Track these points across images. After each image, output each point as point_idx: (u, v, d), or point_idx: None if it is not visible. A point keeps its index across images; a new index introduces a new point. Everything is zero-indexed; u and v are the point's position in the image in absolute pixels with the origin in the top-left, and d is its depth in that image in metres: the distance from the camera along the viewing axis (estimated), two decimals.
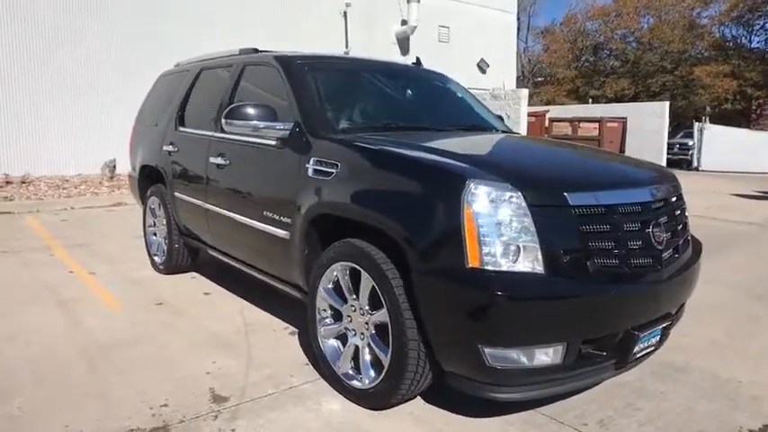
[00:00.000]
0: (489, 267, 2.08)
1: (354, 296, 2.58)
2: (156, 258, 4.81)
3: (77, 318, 3.67)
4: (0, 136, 9.23)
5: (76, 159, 10.02)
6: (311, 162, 2.81)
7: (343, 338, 2.70)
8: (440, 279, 2.16)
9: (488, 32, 17.56)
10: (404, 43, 15.47)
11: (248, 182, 3.37)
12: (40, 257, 5.26)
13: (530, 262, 2.11)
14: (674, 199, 2.68)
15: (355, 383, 2.57)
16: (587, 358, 2.31)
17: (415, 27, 14.95)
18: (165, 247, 4.59)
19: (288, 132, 2.99)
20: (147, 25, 10.79)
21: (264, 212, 3.15)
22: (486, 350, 2.11)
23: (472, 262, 2.09)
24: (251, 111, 2.97)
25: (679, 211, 2.72)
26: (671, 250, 2.54)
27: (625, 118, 15.29)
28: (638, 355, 2.46)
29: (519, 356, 2.13)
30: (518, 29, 43.50)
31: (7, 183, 8.67)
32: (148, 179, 4.84)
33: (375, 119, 3.27)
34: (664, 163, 14.73)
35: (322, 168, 2.74)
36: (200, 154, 3.87)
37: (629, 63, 35.24)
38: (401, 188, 2.37)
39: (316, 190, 2.75)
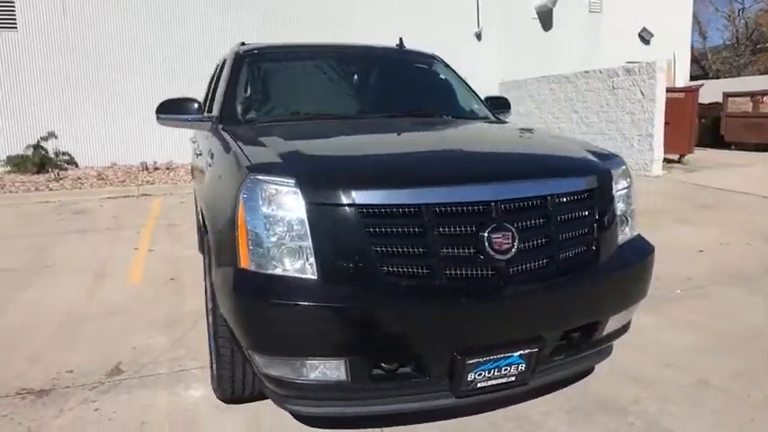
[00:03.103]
0: (256, 269, 1.94)
1: None
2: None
3: (95, 289, 4.25)
4: (147, 128, 10.85)
5: None
6: (208, 154, 2.87)
7: None
8: (219, 278, 2.08)
9: None
10: (546, 17, 14.36)
11: (198, 175, 3.55)
12: (126, 235, 6.16)
13: (301, 266, 1.91)
14: (562, 199, 2.12)
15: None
16: (401, 379, 2.02)
17: None
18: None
19: (210, 125, 3.09)
20: (278, 26, 11.69)
21: (199, 205, 3.31)
22: (256, 357, 1.98)
23: (243, 262, 1.97)
24: (173, 104, 3.12)
25: (574, 214, 2.16)
26: (542, 261, 2.05)
27: None
28: (483, 385, 2.04)
29: (292, 368, 1.95)
30: None
31: (155, 169, 10.23)
32: (191, 173, 5.35)
33: (292, 108, 3.17)
34: None
35: (209, 160, 2.79)
36: (195, 148, 4.17)
37: None
38: (213, 181, 2.31)
39: (202, 182, 2.81)
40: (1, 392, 2.67)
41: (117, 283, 4.40)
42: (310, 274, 1.91)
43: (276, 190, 1.95)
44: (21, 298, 4.09)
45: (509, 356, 2.04)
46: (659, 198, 7.86)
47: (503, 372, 2.06)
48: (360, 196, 1.90)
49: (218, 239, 2.14)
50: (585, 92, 11.13)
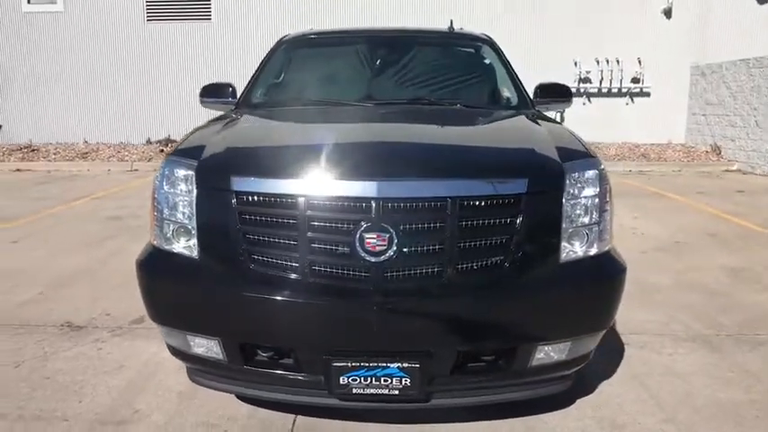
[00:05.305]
0: (157, 245, 2.10)
1: None
2: None
3: None
4: None
5: None
6: None
7: None
8: None
9: None
10: None
11: None
12: None
13: (187, 245, 2.03)
14: (471, 203, 1.85)
15: None
16: (280, 370, 2.02)
17: None
18: None
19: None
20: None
21: None
22: (156, 324, 2.15)
23: (151, 238, 2.15)
24: (213, 88, 3.42)
25: (486, 221, 1.86)
26: (431, 269, 1.85)
27: None
28: (360, 392, 1.93)
29: (182, 340, 2.07)
30: None
31: None
32: None
33: (297, 94, 3.21)
34: None
35: None
36: None
37: None
38: None
39: None
40: (52, 322, 3.28)
41: None
42: (193, 254, 2.00)
43: (177, 172, 2.07)
44: (130, 249, 4.87)
45: (386, 367, 1.89)
46: None
47: (382, 383, 1.92)
48: (236, 183, 1.94)
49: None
50: None
